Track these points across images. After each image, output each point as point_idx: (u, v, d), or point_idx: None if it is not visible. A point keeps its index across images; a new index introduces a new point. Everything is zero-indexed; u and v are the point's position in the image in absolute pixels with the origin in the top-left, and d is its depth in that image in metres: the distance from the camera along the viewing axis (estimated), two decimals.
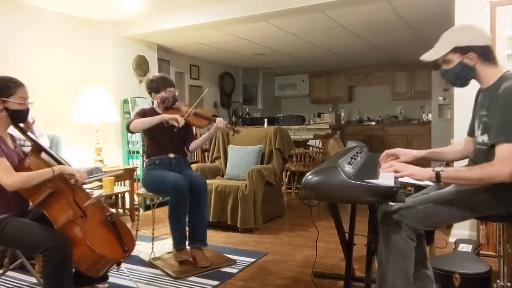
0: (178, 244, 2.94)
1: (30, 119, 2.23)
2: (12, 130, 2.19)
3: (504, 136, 1.61)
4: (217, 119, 3.06)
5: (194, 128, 3.47)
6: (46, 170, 2.04)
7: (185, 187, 2.87)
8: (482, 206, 1.76)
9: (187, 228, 3.01)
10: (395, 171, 1.74)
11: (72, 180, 2.14)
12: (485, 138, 1.76)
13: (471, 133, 2.01)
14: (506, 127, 1.61)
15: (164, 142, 3.09)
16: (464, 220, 1.91)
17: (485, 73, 1.79)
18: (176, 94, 3.14)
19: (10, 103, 2.06)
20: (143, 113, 3.10)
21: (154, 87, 3.08)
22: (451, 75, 1.82)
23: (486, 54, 1.77)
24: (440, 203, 1.78)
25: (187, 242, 3.00)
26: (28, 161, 2.06)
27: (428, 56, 1.84)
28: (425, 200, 1.82)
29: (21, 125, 2.18)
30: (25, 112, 2.13)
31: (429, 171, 1.69)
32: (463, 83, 1.85)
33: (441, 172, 1.66)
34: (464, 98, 3.31)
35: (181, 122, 2.93)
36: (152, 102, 5.01)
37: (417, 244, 1.83)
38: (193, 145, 3.22)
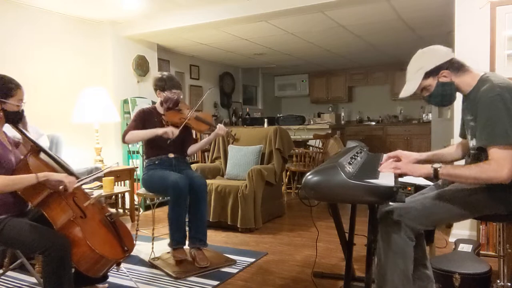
0: (177, 243, 2.94)
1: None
2: (7, 128, 2.18)
3: (491, 139, 1.63)
4: (218, 125, 3.10)
5: (194, 131, 3.48)
6: (29, 176, 1.95)
7: (185, 186, 2.87)
8: (480, 206, 1.77)
9: (186, 228, 3.01)
10: (395, 168, 1.76)
11: (60, 187, 2.03)
12: (474, 142, 1.80)
13: (462, 135, 2.06)
14: (491, 130, 1.63)
15: (164, 142, 3.09)
16: (463, 219, 1.92)
17: (463, 81, 1.82)
18: (180, 97, 3.17)
19: (9, 105, 2.05)
20: (141, 116, 3.11)
21: (161, 85, 3.10)
22: (436, 98, 1.85)
23: (455, 66, 1.80)
24: (438, 203, 1.79)
25: (186, 242, 3.00)
26: (28, 161, 2.05)
27: (406, 92, 1.87)
28: (424, 199, 1.82)
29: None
30: (21, 113, 2.13)
31: (427, 167, 1.73)
32: (450, 100, 1.87)
33: (439, 169, 1.69)
34: None
35: (174, 134, 2.96)
36: (153, 102, 5.05)
37: (417, 243, 1.83)
38: (191, 149, 3.24)
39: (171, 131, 2.96)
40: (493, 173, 1.60)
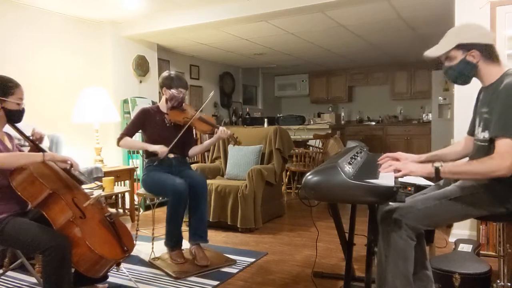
0: (173, 245, 2.97)
1: (42, 133, 2.30)
2: (9, 129, 2.19)
3: (504, 130, 1.61)
4: (220, 128, 3.09)
5: (195, 131, 3.48)
6: (35, 154, 2.06)
7: (185, 192, 2.87)
8: (482, 206, 1.76)
9: (186, 228, 3.01)
10: (395, 170, 1.74)
11: (67, 166, 2.16)
12: (486, 134, 1.77)
13: (471, 132, 2.01)
14: (506, 122, 1.62)
15: (164, 143, 3.09)
16: (465, 219, 1.91)
17: (487, 71, 1.80)
18: (185, 97, 3.18)
19: (9, 103, 2.06)
20: (141, 118, 3.12)
21: (168, 83, 3.11)
22: (454, 72, 1.83)
23: (489, 52, 1.77)
24: (440, 203, 1.78)
25: (185, 242, 3.00)
26: None
27: (432, 52, 1.85)
28: (425, 199, 1.82)
29: (18, 125, 2.18)
30: (21, 112, 2.14)
31: (428, 167, 1.71)
32: (465, 80, 1.85)
33: (440, 167, 1.67)
34: (464, 98, 3.30)
35: (163, 154, 2.98)
36: (152, 102, 5.05)
37: (417, 244, 1.83)
38: (192, 151, 3.25)
39: (161, 151, 2.97)
40: (495, 166, 1.59)
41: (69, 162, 2.16)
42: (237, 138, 3.18)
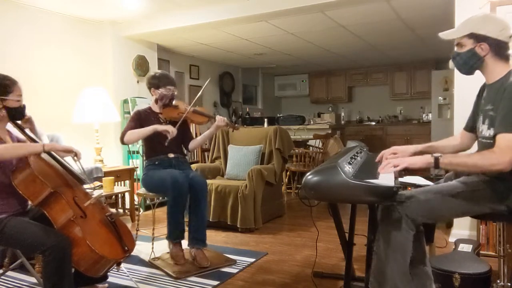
0: (175, 238, 2.94)
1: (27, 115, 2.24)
2: (10, 128, 2.19)
3: (507, 127, 1.61)
4: (217, 117, 3.09)
5: (193, 125, 3.48)
6: (35, 144, 2.06)
7: (185, 184, 2.87)
8: (483, 203, 1.76)
9: (186, 228, 3.01)
10: (394, 166, 1.74)
11: (71, 155, 2.15)
12: (491, 132, 1.76)
13: (469, 128, 2.01)
14: (509, 118, 1.61)
15: (163, 141, 3.09)
16: (465, 216, 1.91)
17: (493, 67, 1.78)
18: (175, 93, 3.16)
19: (9, 101, 2.06)
20: (137, 118, 3.10)
21: (155, 83, 3.10)
22: (460, 60, 1.82)
23: (499, 49, 1.76)
24: (441, 196, 1.78)
25: (186, 242, 3.00)
26: (29, 161, 2.05)
27: (446, 35, 1.85)
28: (426, 191, 1.81)
29: (19, 122, 2.18)
30: (22, 109, 2.14)
31: (427, 157, 1.70)
32: (469, 71, 1.85)
33: (439, 158, 1.67)
34: (464, 98, 3.30)
35: (173, 133, 2.95)
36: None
37: (417, 242, 1.83)
38: (192, 144, 3.24)
39: (171, 130, 2.95)
40: (495, 160, 1.59)
41: (73, 151, 2.14)
42: (235, 122, 3.18)
